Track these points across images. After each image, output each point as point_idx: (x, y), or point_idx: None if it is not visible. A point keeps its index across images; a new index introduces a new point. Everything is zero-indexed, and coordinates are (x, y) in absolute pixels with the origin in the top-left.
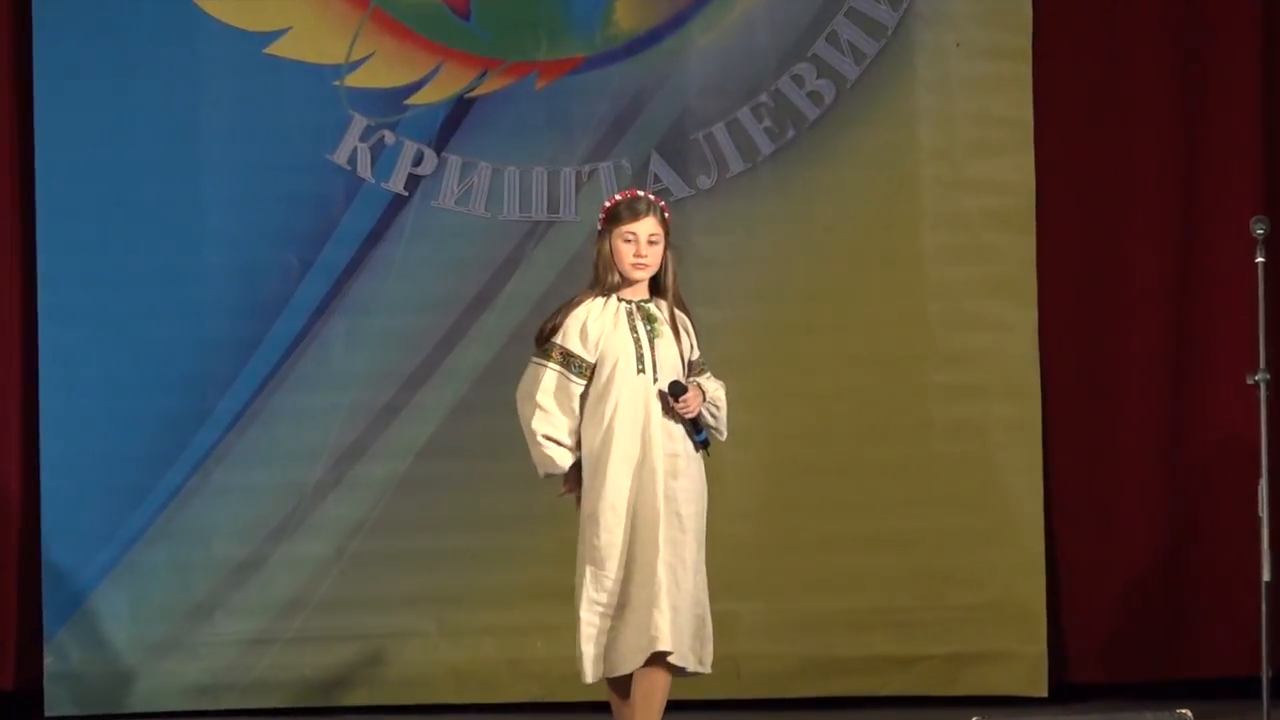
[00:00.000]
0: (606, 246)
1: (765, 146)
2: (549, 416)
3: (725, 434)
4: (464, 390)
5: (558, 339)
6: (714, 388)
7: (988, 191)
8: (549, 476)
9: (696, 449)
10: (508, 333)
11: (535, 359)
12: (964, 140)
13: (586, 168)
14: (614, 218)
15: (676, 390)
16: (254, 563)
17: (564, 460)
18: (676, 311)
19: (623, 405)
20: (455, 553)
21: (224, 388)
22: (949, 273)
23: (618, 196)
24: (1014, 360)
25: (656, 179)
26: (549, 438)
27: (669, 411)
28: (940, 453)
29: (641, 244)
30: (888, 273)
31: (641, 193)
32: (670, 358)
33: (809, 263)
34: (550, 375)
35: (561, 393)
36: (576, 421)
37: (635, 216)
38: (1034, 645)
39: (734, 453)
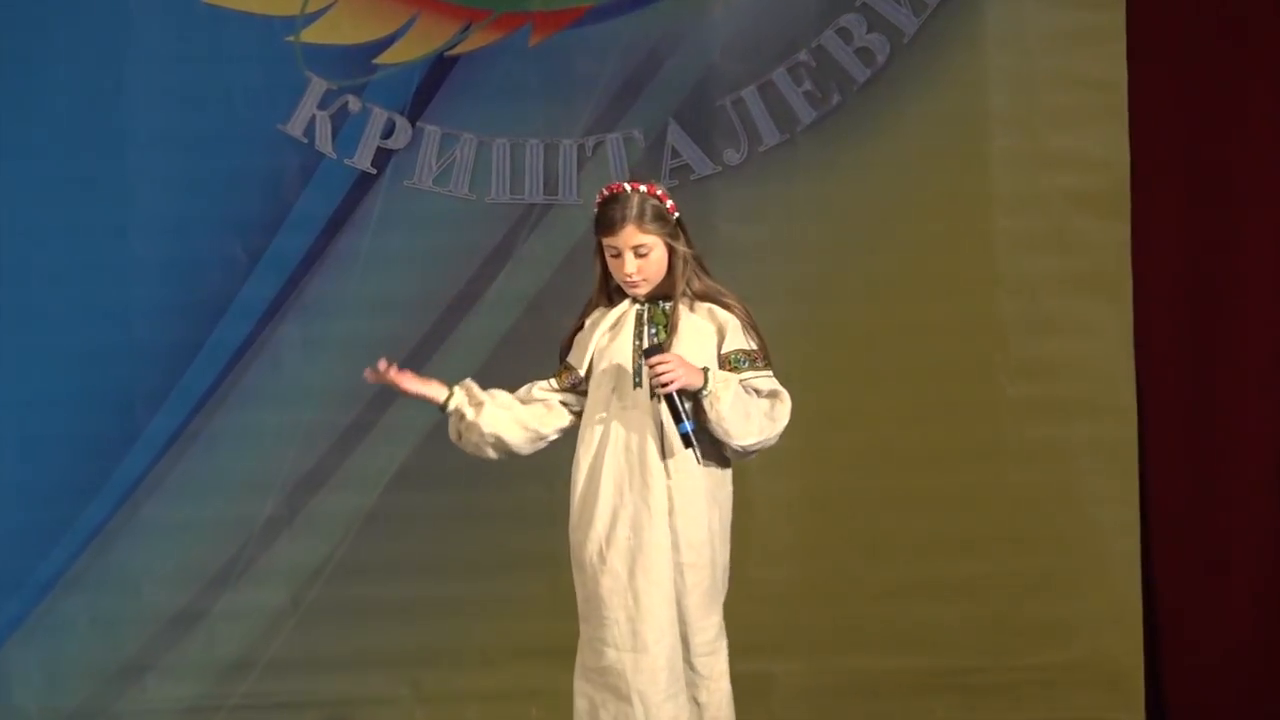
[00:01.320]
0: (597, 258)
1: (805, 115)
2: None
3: (736, 438)
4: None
5: (569, 356)
6: (725, 379)
7: (1073, 168)
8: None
9: (685, 445)
10: (496, 338)
11: None
12: (1044, 107)
13: (591, 140)
14: (596, 226)
15: (650, 351)
16: (192, 615)
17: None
18: (702, 306)
19: (616, 425)
20: (433, 603)
21: (155, 405)
22: (1027, 266)
23: (604, 191)
24: (1104, 370)
25: (675, 154)
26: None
27: (655, 396)
28: (1016, 482)
29: (627, 259)
30: (952, 267)
31: (627, 187)
32: (687, 357)
33: (857, 255)
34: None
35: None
36: (511, 403)
37: (610, 229)
38: (1130, 713)
39: (766, 482)
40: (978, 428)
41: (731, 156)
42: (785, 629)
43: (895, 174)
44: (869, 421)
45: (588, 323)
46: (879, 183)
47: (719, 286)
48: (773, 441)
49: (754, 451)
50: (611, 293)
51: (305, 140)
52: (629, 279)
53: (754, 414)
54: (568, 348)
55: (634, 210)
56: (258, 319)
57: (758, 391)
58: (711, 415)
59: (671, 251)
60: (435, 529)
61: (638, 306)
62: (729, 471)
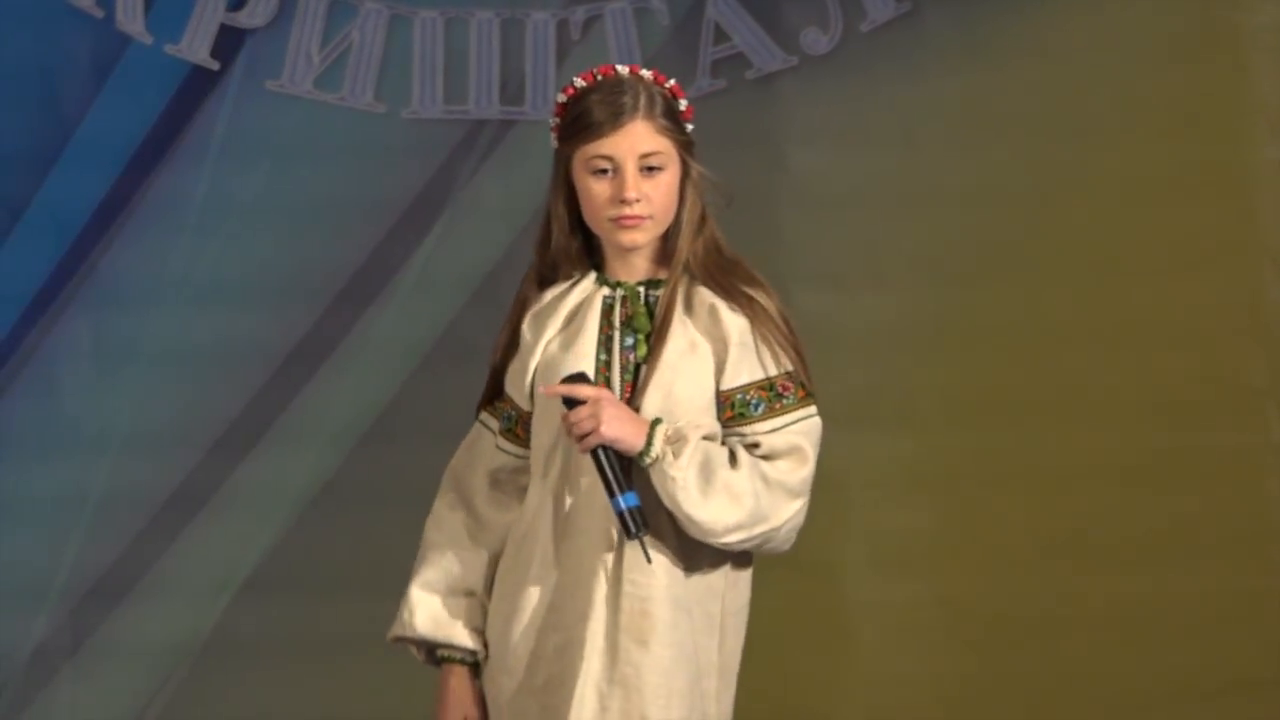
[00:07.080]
0: (559, 188)
1: None
2: (437, 531)
3: (701, 526)
4: (334, 465)
5: (507, 383)
6: (679, 434)
7: None
8: (398, 641)
9: (628, 533)
10: (423, 343)
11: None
12: None
13: (580, 12)
14: (569, 131)
15: (571, 400)
16: None
17: (426, 622)
18: (705, 301)
19: (559, 491)
20: None
21: None
22: None
23: (578, 81)
24: None
25: (720, 36)
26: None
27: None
28: None
29: (628, 177)
30: (1188, 229)
31: (624, 70)
32: (675, 399)
33: (1028, 207)
34: (473, 435)
35: (475, 469)
36: (490, 545)
37: (605, 125)
38: None
39: (871, 585)
40: (1234, 504)
41: (815, 40)
42: None
43: (1091, 67)
44: (1047, 487)
45: (529, 321)
46: (1064, 83)
47: (739, 258)
48: (778, 540)
49: (755, 547)
50: (558, 257)
51: (99, 13)
52: (627, 210)
53: (720, 488)
54: (503, 364)
55: (643, 99)
56: (18, 316)
57: (748, 448)
58: (662, 494)
59: (684, 178)
60: (315, 668)
61: (607, 291)
62: (742, 572)
